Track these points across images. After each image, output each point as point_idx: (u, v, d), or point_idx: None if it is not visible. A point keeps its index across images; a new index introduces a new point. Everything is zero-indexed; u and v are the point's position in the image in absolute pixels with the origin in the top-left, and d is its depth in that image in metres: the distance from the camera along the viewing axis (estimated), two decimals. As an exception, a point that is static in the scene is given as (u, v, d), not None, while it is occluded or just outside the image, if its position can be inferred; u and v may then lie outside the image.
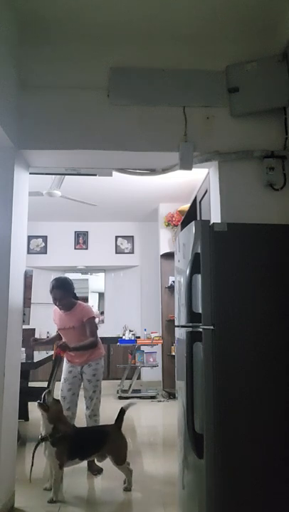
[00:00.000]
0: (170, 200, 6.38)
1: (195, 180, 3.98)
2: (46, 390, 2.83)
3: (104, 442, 2.83)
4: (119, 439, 2.88)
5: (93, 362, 3.24)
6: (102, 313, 8.16)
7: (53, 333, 3.61)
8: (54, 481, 2.68)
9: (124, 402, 3.05)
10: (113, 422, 2.93)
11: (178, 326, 2.60)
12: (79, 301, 3.34)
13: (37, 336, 4.75)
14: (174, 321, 2.87)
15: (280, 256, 2.20)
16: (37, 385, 4.41)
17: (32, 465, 2.67)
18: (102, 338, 3.51)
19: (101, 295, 8.37)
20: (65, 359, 3.39)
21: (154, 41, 2.81)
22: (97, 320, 7.19)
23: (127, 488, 2.84)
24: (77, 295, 3.41)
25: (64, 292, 3.23)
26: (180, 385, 2.47)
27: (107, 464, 3.01)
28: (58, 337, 3.50)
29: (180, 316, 2.53)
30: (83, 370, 3.25)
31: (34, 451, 2.69)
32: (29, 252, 7.36)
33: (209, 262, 2.14)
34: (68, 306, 3.26)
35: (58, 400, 2.91)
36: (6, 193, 2.62)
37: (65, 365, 3.37)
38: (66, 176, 4.65)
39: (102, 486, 3.05)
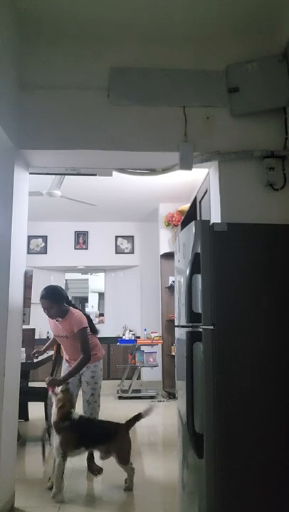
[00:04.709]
0: (170, 200, 6.38)
1: (195, 180, 3.98)
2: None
3: (110, 438, 2.84)
4: (126, 438, 2.88)
5: (91, 364, 3.23)
6: (101, 314, 8.15)
7: (52, 335, 3.62)
8: (56, 471, 2.69)
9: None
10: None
11: (178, 326, 2.60)
12: (71, 309, 3.20)
13: (36, 336, 4.77)
14: (174, 321, 2.87)
15: (280, 256, 2.20)
16: (37, 385, 4.42)
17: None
18: (102, 338, 3.51)
19: (101, 295, 8.38)
20: (64, 359, 3.39)
21: (154, 41, 2.82)
22: (96, 320, 7.17)
23: (128, 488, 2.84)
24: (77, 295, 3.40)
25: (52, 302, 3.11)
26: (180, 385, 2.47)
27: (107, 464, 3.02)
28: (55, 341, 3.50)
29: (180, 316, 2.53)
30: (82, 372, 3.25)
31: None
32: (29, 252, 7.36)
33: (209, 262, 2.14)
34: (59, 314, 3.16)
35: (68, 390, 2.92)
36: (6, 193, 2.62)
37: (64, 365, 3.37)
38: (66, 176, 4.65)
39: (102, 486, 3.05)
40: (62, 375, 3.34)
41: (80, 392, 3.28)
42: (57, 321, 3.20)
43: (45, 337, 7.00)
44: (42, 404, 3.86)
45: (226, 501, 1.98)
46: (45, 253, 7.72)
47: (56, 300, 3.14)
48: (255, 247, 2.20)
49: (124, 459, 2.84)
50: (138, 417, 2.97)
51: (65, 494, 2.75)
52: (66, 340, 3.22)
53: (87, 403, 3.21)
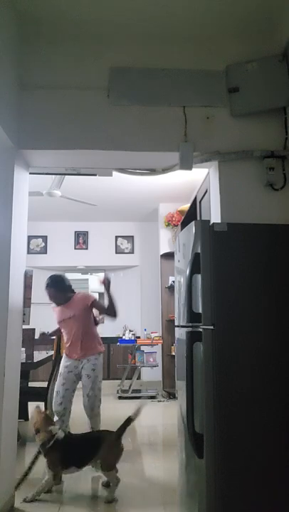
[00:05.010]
0: (170, 200, 6.38)
1: (195, 180, 3.98)
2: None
3: (100, 448, 2.70)
4: (115, 447, 2.74)
5: (92, 357, 3.24)
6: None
7: (52, 335, 3.63)
8: (42, 484, 2.65)
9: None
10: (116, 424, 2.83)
11: (178, 326, 2.60)
12: (76, 293, 3.41)
13: (36, 336, 4.76)
14: (174, 321, 2.87)
15: (280, 256, 2.20)
16: (37, 385, 4.41)
17: (26, 474, 2.69)
18: (102, 338, 3.52)
19: (101, 295, 8.36)
20: (64, 354, 3.39)
21: (154, 41, 2.82)
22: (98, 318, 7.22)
23: (108, 499, 2.66)
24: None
25: (56, 290, 3.29)
26: (180, 385, 2.47)
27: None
28: (59, 330, 3.52)
29: (180, 316, 2.53)
30: (83, 365, 3.24)
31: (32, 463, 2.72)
32: (29, 252, 7.36)
33: (209, 262, 2.14)
34: (64, 301, 3.32)
35: (40, 410, 2.85)
36: (6, 193, 2.62)
37: (62, 360, 3.38)
38: (66, 176, 4.65)
39: (102, 486, 3.04)
40: (60, 370, 3.34)
41: (80, 391, 3.28)
42: (63, 305, 3.30)
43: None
44: (42, 404, 3.86)
45: (226, 501, 1.98)
46: (45, 253, 7.72)
47: (61, 288, 3.32)
48: (255, 247, 2.20)
49: (107, 465, 2.69)
50: (128, 422, 2.78)
51: (64, 494, 2.75)
52: (73, 320, 3.26)
53: (87, 397, 3.19)
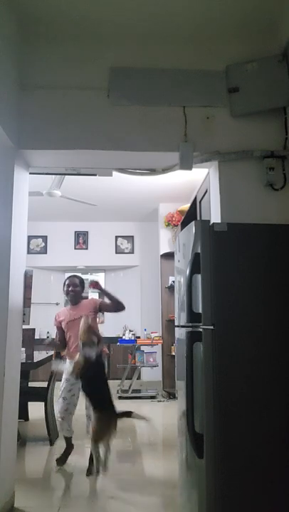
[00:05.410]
0: (170, 200, 6.38)
1: (195, 180, 3.98)
2: None
3: (101, 409, 2.84)
4: (109, 420, 2.83)
5: None
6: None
7: (53, 334, 3.64)
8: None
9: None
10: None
11: (178, 326, 2.60)
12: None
13: (36, 336, 4.76)
14: (174, 321, 2.87)
15: (280, 256, 2.20)
16: (37, 385, 4.42)
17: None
18: (103, 338, 3.52)
19: (101, 295, 8.36)
20: (68, 360, 3.37)
21: (154, 41, 2.82)
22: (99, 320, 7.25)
23: (89, 472, 2.88)
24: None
25: (80, 283, 3.54)
26: (180, 385, 2.47)
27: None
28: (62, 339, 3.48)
29: (180, 316, 2.53)
30: None
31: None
32: (29, 252, 7.35)
33: (209, 262, 2.14)
34: (78, 297, 3.50)
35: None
36: (6, 193, 2.63)
37: (67, 365, 3.36)
38: (66, 176, 4.65)
39: (101, 486, 3.04)
40: (64, 375, 3.33)
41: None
42: (72, 307, 3.44)
43: (46, 337, 6.98)
44: (42, 404, 3.86)
45: (226, 501, 1.98)
46: (45, 253, 7.72)
47: (83, 285, 3.60)
48: (255, 247, 2.20)
49: (94, 434, 2.82)
50: (128, 414, 2.91)
51: (64, 494, 2.75)
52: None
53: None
